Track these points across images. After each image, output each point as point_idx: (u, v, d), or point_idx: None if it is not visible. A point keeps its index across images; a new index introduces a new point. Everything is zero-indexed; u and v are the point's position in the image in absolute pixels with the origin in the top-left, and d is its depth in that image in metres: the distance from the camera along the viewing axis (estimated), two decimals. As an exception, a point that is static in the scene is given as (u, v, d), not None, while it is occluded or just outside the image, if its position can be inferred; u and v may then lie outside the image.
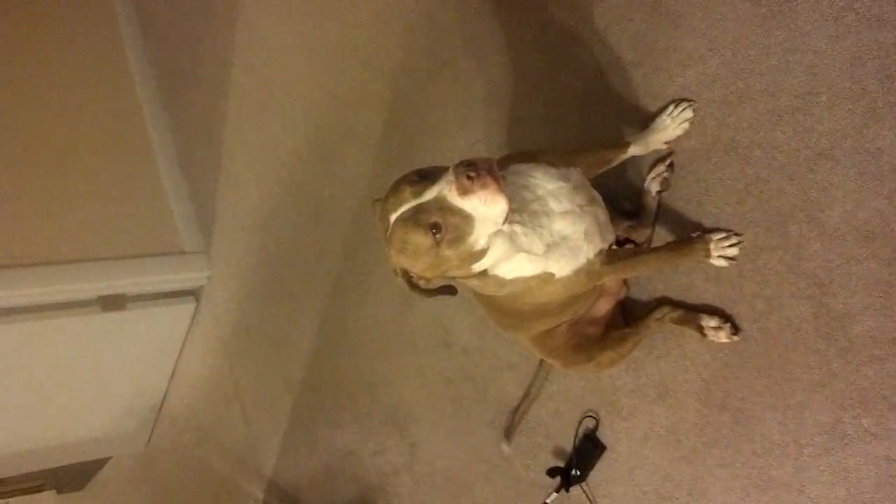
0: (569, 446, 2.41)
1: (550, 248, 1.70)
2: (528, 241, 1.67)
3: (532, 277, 1.74)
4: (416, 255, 1.58)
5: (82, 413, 4.36)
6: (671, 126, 2.01)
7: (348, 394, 3.33)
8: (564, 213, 1.71)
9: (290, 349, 3.63)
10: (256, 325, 3.84)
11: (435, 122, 2.76)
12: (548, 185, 1.71)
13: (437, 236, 1.52)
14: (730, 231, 1.96)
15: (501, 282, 1.75)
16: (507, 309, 1.97)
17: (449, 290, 1.75)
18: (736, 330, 1.99)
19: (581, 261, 1.75)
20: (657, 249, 2.00)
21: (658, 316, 2.10)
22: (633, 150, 2.02)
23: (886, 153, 1.69)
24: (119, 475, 5.19)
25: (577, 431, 2.39)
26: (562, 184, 1.72)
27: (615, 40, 2.18)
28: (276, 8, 3.39)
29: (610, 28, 2.19)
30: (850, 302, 1.79)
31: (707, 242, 1.95)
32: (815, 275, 1.84)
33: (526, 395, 2.50)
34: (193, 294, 4.15)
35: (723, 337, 1.99)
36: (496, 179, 1.47)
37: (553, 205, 1.70)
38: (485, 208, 1.49)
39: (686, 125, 2.00)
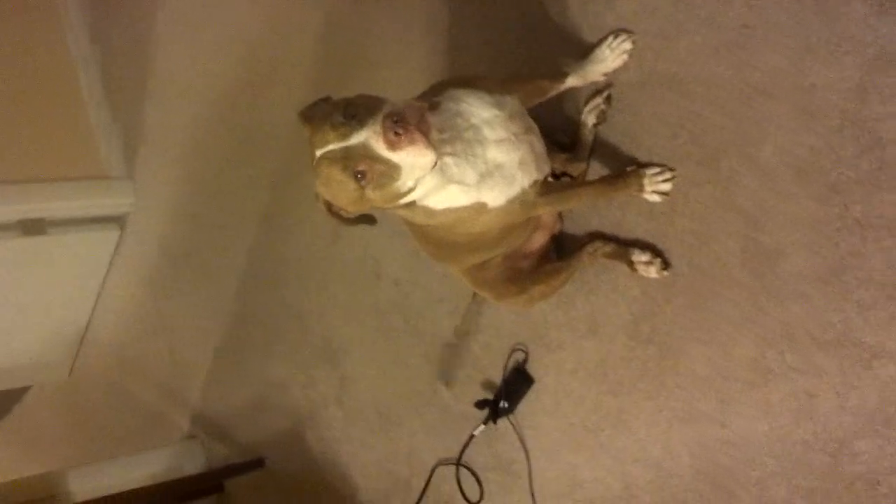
0: (498, 379, 2.41)
1: (484, 177, 1.67)
2: (459, 172, 1.64)
3: (464, 208, 1.71)
4: (340, 193, 1.55)
5: (1, 340, 4.25)
6: (609, 58, 1.98)
7: (278, 325, 3.29)
8: (499, 141, 1.68)
9: (219, 279, 3.57)
10: (183, 254, 3.76)
11: (373, 51, 2.69)
12: (483, 113, 1.68)
13: (363, 182, 1.48)
14: (664, 166, 1.95)
15: (431, 212, 1.72)
16: (439, 239, 1.94)
17: (368, 219, 1.72)
18: (666, 265, 1.99)
19: (515, 190, 1.73)
20: (592, 182, 1.99)
21: (590, 250, 2.09)
22: (571, 81, 2.00)
23: (820, 90, 1.69)
24: (40, 404, 5.09)
25: (506, 364, 2.39)
26: (497, 112, 1.69)
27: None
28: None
29: (550, -45, 2.14)
30: (780, 239, 1.80)
31: (641, 177, 1.94)
32: (747, 211, 1.84)
33: (458, 332, 2.49)
34: (117, 221, 4.05)
35: (653, 272, 2.00)
36: (425, 133, 1.44)
37: (487, 132, 1.67)
38: (412, 159, 1.46)
39: (625, 57, 1.98)
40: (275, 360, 3.33)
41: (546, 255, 2.15)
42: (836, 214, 1.71)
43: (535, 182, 1.77)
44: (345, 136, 1.46)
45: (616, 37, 1.98)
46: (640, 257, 2.01)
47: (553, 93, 2.00)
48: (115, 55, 3.92)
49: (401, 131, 1.40)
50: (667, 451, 2.07)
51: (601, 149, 2.09)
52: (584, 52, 2.04)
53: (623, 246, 2.06)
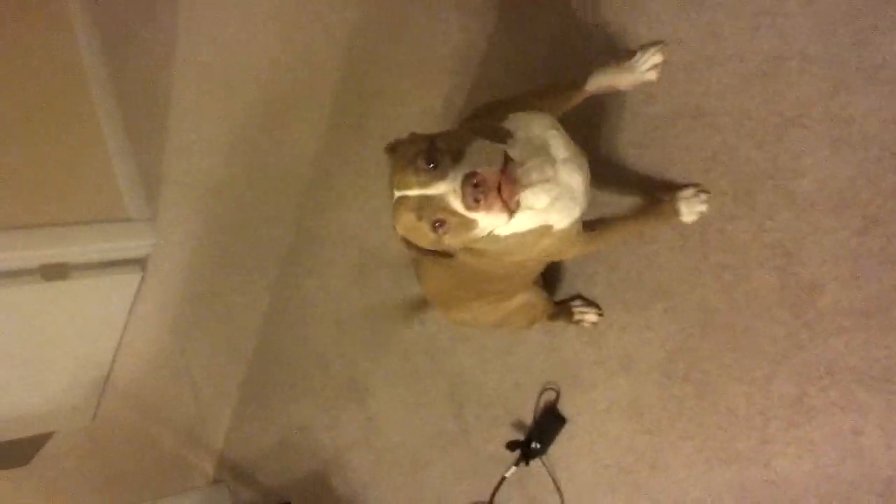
0: (529, 419, 2.37)
1: (554, 200, 1.62)
2: (535, 199, 1.59)
3: (529, 231, 1.67)
4: (418, 237, 1.52)
5: (24, 386, 4.23)
6: (640, 69, 1.91)
7: (302, 366, 3.25)
8: (565, 161, 1.63)
9: (241, 321, 3.54)
10: (205, 295, 3.74)
11: (392, 86, 2.67)
12: (546, 135, 1.64)
13: (440, 230, 1.45)
14: (697, 186, 1.92)
15: (496, 238, 1.66)
16: (467, 277, 1.90)
17: (446, 253, 1.67)
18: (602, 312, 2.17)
19: (577, 213, 1.68)
20: (628, 217, 1.97)
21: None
22: (595, 83, 1.91)
23: (857, 121, 1.65)
24: (64, 450, 5.06)
25: (537, 404, 2.35)
26: (556, 132, 1.65)
27: (579, 1, 2.11)
28: (225, -33, 3.27)
29: (574, -11, 2.12)
30: (819, 273, 1.76)
31: (676, 201, 1.92)
32: (783, 245, 1.80)
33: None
34: (139, 263, 4.03)
35: (590, 317, 2.17)
36: (508, 198, 1.40)
37: (555, 153, 1.62)
38: (490, 218, 1.43)
39: (655, 72, 1.91)
40: (299, 401, 3.29)
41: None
42: (877, 247, 1.66)
43: (582, 213, 1.73)
44: (425, 185, 1.42)
45: (645, 50, 1.91)
46: (581, 309, 2.18)
47: (577, 101, 1.92)
48: (136, 98, 3.93)
49: (480, 197, 1.37)
50: (707, 492, 2.02)
51: (632, 183, 2.05)
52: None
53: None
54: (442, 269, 1.90)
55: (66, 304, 3.86)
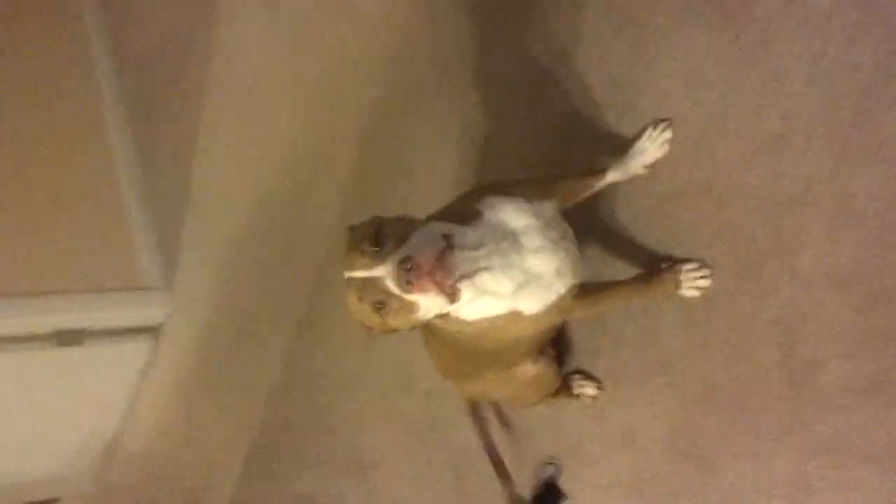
0: (528, 495, 2.35)
1: (521, 286, 1.65)
2: (495, 285, 1.62)
3: (498, 317, 1.69)
4: (364, 317, 1.56)
5: (31, 451, 4.22)
6: (651, 148, 1.99)
7: (308, 436, 3.24)
8: (537, 250, 1.66)
9: (250, 390, 3.54)
10: (216, 364, 3.75)
11: (409, 158, 2.73)
12: (520, 222, 1.67)
13: (381, 311, 1.49)
14: (700, 261, 1.94)
15: (463, 322, 1.70)
16: (466, 348, 1.91)
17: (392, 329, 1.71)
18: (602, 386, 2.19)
19: (552, 297, 1.70)
20: (628, 281, 1.96)
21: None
22: (612, 176, 1.99)
23: (859, 197, 1.68)
24: (68, 518, 5.02)
25: (537, 479, 2.33)
26: (533, 221, 1.68)
27: (591, 80, 2.17)
28: (257, 41, 3.37)
29: (586, 68, 2.18)
30: (820, 350, 1.76)
31: (677, 273, 1.94)
32: (785, 321, 1.81)
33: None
34: (153, 331, 4.06)
35: (589, 391, 2.19)
36: (441, 281, 1.43)
37: (525, 241, 1.66)
38: (427, 301, 1.47)
39: (666, 147, 1.98)
40: (304, 471, 3.27)
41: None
42: (878, 325, 1.67)
43: (573, 287, 1.75)
44: (367, 266, 1.47)
45: (655, 127, 1.99)
46: (580, 382, 2.21)
47: (592, 191, 1.98)
48: (159, 166, 4.01)
49: (413, 279, 1.40)
50: (707, 572, 1.99)
51: (636, 256, 2.08)
52: (623, 147, 2.04)
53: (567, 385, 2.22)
54: (442, 341, 1.91)
55: (79, 369, 3.87)
